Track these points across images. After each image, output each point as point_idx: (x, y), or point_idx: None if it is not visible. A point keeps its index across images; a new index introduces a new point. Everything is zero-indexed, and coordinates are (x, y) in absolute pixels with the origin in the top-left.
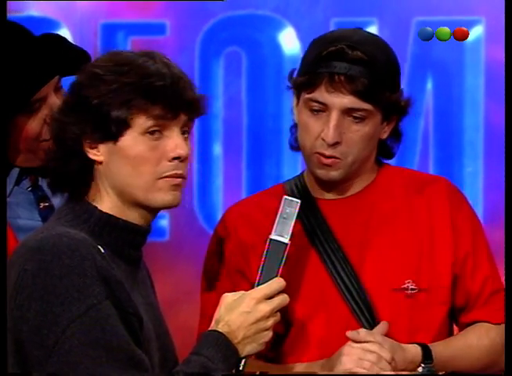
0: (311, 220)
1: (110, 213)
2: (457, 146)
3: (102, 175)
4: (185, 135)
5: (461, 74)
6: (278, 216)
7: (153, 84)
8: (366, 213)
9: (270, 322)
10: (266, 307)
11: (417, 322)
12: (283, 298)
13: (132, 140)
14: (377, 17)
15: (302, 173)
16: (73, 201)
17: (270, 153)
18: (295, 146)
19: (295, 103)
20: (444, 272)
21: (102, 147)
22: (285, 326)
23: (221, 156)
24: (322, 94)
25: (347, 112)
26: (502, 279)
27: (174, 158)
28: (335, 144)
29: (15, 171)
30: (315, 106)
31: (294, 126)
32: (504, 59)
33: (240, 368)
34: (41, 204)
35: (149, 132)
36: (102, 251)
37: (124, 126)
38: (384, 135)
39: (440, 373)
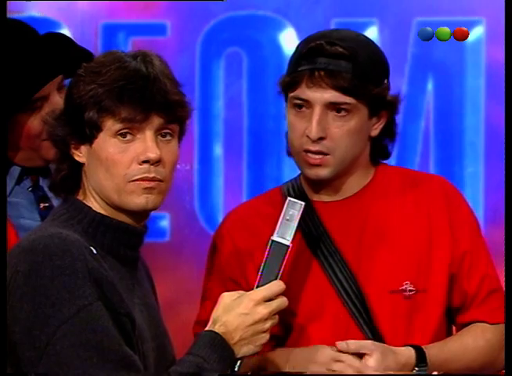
0: (308, 223)
1: (103, 213)
2: (458, 146)
3: (87, 176)
4: (167, 138)
5: (462, 75)
6: (281, 217)
7: (123, 87)
8: (363, 215)
9: (268, 324)
10: (264, 309)
11: (415, 323)
12: (281, 301)
13: (103, 143)
14: (378, 18)
15: (299, 175)
16: (68, 202)
17: (271, 154)
18: (289, 151)
19: (286, 106)
20: (441, 272)
21: (82, 149)
22: (283, 329)
23: (222, 156)
24: (303, 91)
25: (330, 107)
26: (502, 279)
27: (144, 161)
28: (319, 139)
29: (15, 170)
30: (298, 102)
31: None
32: (504, 60)
33: (236, 369)
34: (42, 205)
35: (120, 134)
36: (94, 251)
37: (95, 128)
38: (375, 132)
39: (436, 373)
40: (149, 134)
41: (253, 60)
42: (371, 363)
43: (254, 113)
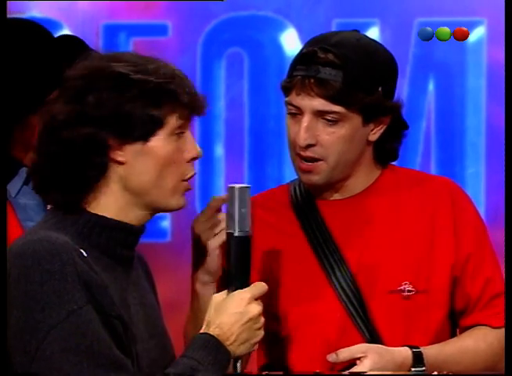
0: (310, 220)
1: (100, 214)
2: (459, 147)
3: (123, 176)
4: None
5: (463, 75)
6: (236, 209)
7: (179, 84)
8: (366, 214)
9: (262, 320)
10: (257, 307)
11: (414, 324)
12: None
13: (163, 141)
14: (379, 18)
15: None
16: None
17: (272, 154)
18: None
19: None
20: (444, 274)
21: (127, 148)
22: (281, 327)
23: (223, 157)
24: (294, 97)
25: (319, 114)
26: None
27: (191, 159)
28: (308, 146)
29: (24, 171)
30: (292, 109)
31: None
32: (505, 60)
33: (238, 370)
34: (49, 206)
35: (176, 133)
36: (85, 254)
37: (157, 126)
38: (373, 137)
39: (436, 373)
40: (189, 132)
41: (254, 61)
42: (368, 363)
43: (255, 114)
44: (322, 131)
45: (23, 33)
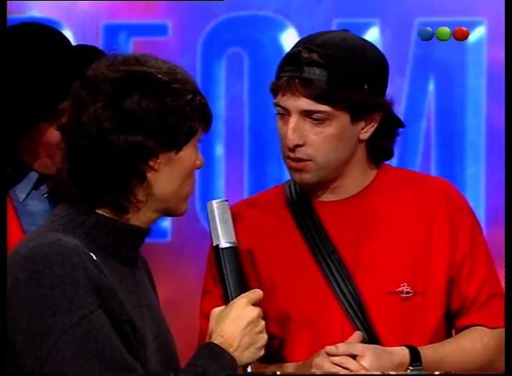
0: (306, 221)
1: (107, 215)
2: (459, 147)
3: (152, 184)
4: None
5: (463, 75)
6: (218, 223)
7: (203, 95)
8: (363, 215)
9: (262, 323)
10: (255, 310)
11: (412, 325)
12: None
13: (191, 150)
14: (379, 18)
15: None
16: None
17: (272, 154)
18: None
19: None
20: (440, 275)
21: (162, 157)
22: (279, 328)
23: (223, 157)
24: (281, 98)
25: (306, 114)
26: (503, 281)
27: (200, 167)
28: (296, 146)
29: (34, 175)
30: (280, 110)
31: None
32: (505, 60)
33: None
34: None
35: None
36: (94, 257)
37: (191, 136)
38: (365, 136)
39: (437, 372)
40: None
41: (254, 61)
42: (365, 363)
43: (255, 114)
44: (310, 131)
45: (39, 39)
